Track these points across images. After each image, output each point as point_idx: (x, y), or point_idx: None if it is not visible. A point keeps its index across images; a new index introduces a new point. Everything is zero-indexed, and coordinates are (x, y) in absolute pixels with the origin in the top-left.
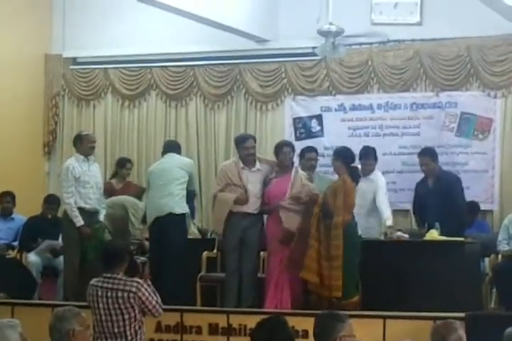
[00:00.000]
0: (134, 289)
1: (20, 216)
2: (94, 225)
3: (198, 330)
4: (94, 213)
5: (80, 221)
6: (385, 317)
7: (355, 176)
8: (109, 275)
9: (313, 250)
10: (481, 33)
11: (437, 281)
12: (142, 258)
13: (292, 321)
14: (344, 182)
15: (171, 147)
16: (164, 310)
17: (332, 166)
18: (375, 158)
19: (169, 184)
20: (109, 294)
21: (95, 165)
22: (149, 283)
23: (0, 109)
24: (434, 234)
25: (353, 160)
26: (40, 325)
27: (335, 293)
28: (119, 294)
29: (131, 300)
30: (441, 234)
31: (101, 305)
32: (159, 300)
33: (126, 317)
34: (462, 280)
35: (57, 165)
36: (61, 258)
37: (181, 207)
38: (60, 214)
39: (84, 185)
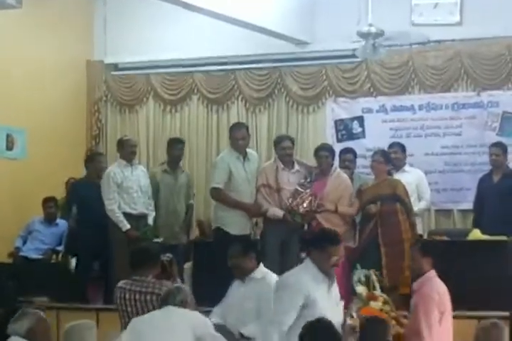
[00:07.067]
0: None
1: (64, 221)
2: (141, 229)
3: None
4: (141, 217)
5: (125, 225)
6: None
7: None
8: (137, 277)
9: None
10: None
11: (481, 281)
12: (168, 254)
13: None
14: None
15: None
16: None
17: (373, 167)
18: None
19: None
20: (137, 297)
21: (140, 168)
22: (178, 281)
23: (43, 115)
24: (477, 234)
25: None
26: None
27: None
28: (148, 297)
29: None
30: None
31: (129, 309)
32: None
33: None
34: (506, 279)
35: None
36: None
37: None
38: None
39: (127, 190)
